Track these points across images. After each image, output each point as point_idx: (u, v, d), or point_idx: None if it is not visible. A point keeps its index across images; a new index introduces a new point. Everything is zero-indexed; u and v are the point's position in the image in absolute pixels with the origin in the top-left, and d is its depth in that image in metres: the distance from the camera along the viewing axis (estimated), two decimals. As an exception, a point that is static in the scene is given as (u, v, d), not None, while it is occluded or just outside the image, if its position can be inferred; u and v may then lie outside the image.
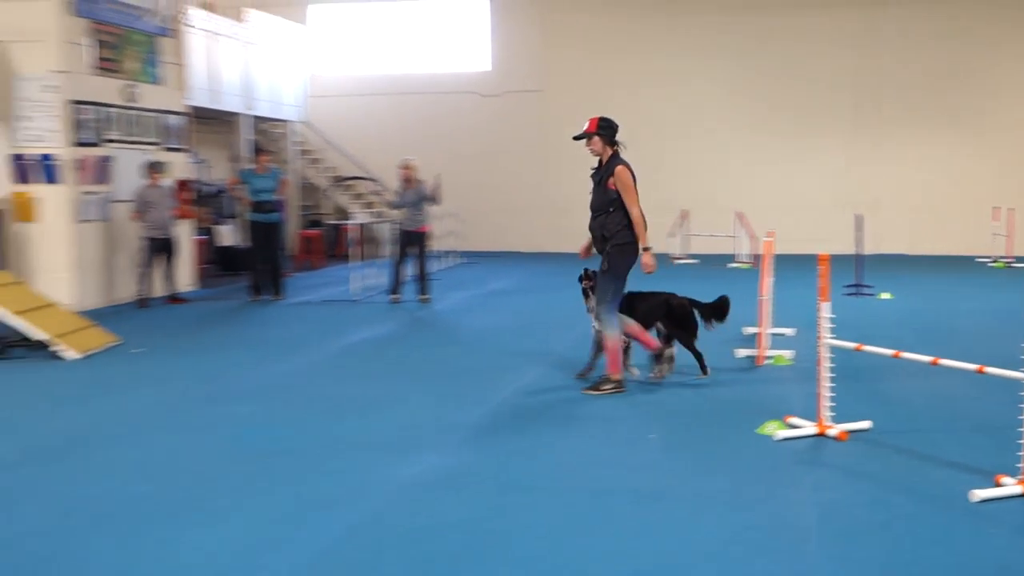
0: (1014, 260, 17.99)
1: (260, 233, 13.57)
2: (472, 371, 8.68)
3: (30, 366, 9.00)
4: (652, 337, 7.98)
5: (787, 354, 8.92)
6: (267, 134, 20.08)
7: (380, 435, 6.58)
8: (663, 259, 19.00)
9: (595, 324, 7.89)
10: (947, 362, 5.84)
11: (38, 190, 12.54)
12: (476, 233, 20.54)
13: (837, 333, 6.47)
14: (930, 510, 5.01)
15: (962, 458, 5.81)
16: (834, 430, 6.31)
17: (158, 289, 13.26)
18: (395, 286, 13.30)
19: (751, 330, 9.73)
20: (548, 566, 4.33)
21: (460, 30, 22.22)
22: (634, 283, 7.94)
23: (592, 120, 7.75)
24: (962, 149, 20.50)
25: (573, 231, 20.73)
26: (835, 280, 7.07)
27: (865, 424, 6.48)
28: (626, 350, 7.98)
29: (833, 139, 20.85)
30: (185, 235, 14.53)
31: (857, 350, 6.45)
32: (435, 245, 14.03)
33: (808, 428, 6.39)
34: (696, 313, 8.20)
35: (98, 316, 11.20)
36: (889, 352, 6.29)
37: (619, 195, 7.57)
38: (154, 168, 13.13)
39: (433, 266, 13.94)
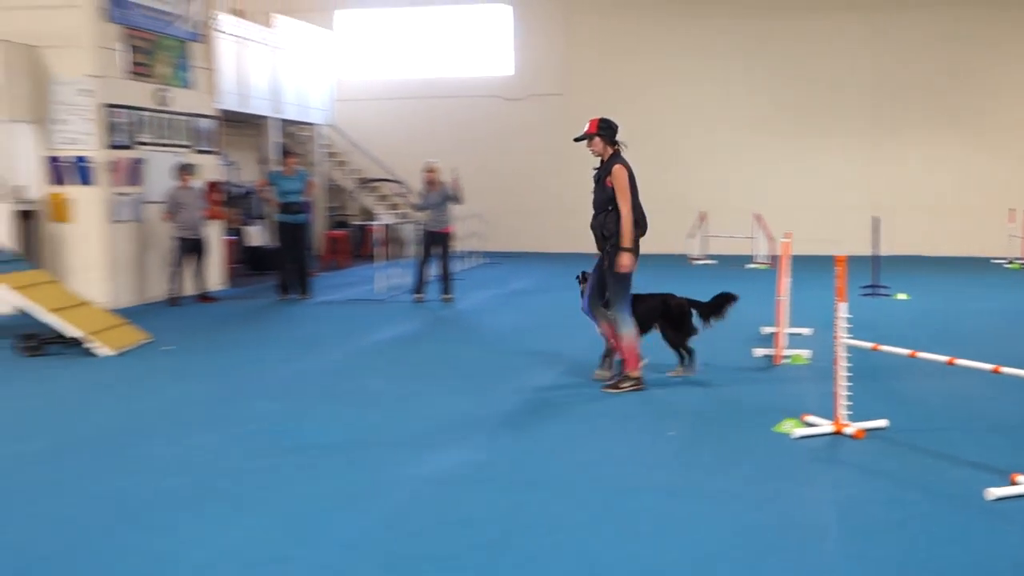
0: (1030, 261, 17.84)
1: (288, 233, 13.62)
2: (493, 369, 8.69)
3: (65, 362, 9.06)
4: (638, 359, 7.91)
5: (804, 353, 8.87)
6: (295, 137, 20.15)
7: (404, 431, 6.59)
8: (682, 259, 19.11)
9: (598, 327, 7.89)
10: (963, 362, 5.80)
11: (73, 191, 12.63)
12: (498, 234, 20.54)
13: (854, 333, 6.43)
14: (946, 508, 4.97)
15: (978, 457, 5.76)
16: (851, 428, 6.27)
17: (189, 288, 13.33)
18: (419, 286, 13.33)
19: (769, 330, 9.69)
20: (568, 561, 4.32)
21: (484, 36, 22.23)
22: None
23: (592, 121, 7.74)
24: (978, 151, 20.34)
25: (590, 231, 20.75)
26: (852, 281, 7.03)
27: (882, 423, 6.44)
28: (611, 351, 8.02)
29: (850, 141, 20.73)
30: (215, 235, 14.60)
31: (874, 350, 6.41)
32: (458, 246, 14.03)
33: (825, 426, 6.36)
34: (695, 313, 8.16)
35: (131, 314, 11.26)
36: (905, 352, 6.25)
37: (631, 196, 7.55)
38: (185, 170, 13.20)
39: (456, 266, 13.95)
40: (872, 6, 20.43)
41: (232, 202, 16.74)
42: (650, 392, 7.64)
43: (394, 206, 21.08)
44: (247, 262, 17.33)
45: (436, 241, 13.27)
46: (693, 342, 8.15)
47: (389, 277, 14.77)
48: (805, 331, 9.87)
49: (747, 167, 20.99)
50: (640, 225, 7.65)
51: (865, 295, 13.28)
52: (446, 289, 13.33)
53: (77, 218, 12.64)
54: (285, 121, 19.25)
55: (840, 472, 5.69)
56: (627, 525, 4.75)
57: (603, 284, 7.75)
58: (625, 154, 7.77)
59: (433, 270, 13.40)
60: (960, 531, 4.64)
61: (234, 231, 17.00)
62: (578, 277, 8.33)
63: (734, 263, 18.16)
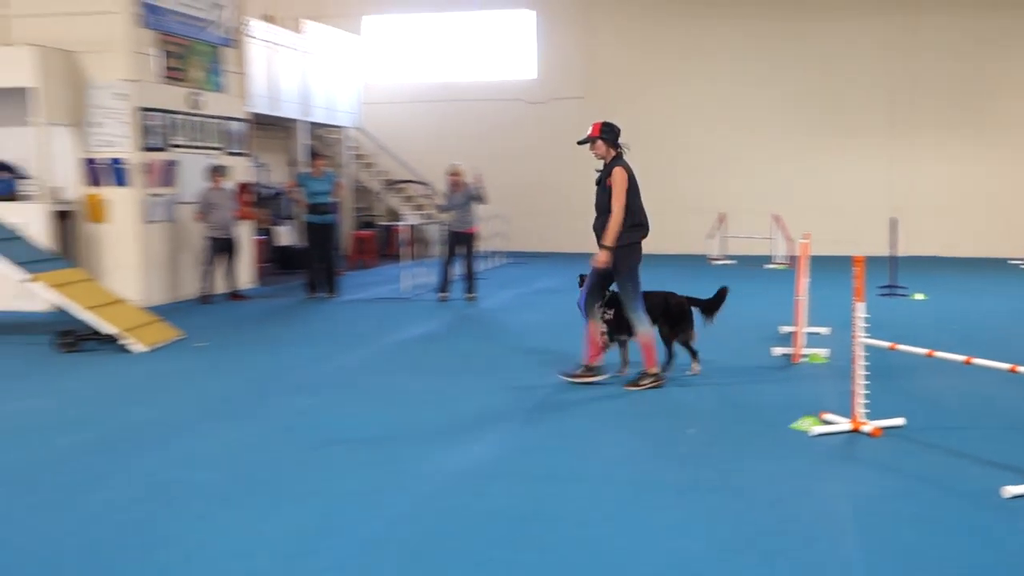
0: (1047, 262, 17.66)
1: (316, 233, 13.66)
2: (515, 366, 8.69)
3: (101, 358, 9.13)
4: (600, 349, 7.87)
5: (822, 352, 8.83)
6: (323, 139, 20.23)
7: (429, 426, 6.61)
8: (701, 260, 19.04)
9: (601, 329, 7.88)
10: (980, 361, 5.76)
11: (109, 192, 12.72)
12: (521, 234, 20.54)
13: (871, 332, 6.40)
14: (962, 505, 4.93)
15: (994, 455, 5.72)
16: (868, 426, 6.24)
17: (220, 286, 13.40)
18: (444, 284, 13.35)
19: (787, 329, 9.64)
20: (589, 555, 4.33)
21: (507, 40, 22.24)
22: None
23: (595, 125, 7.75)
24: (996, 152, 20.15)
25: (614, 233, 20.71)
26: (870, 281, 6.99)
27: (899, 421, 6.40)
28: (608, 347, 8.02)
29: (868, 143, 20.59)
30: (246, 235, 14.67)
31: (891, 349, 6.37)
32: (482, 246, 14.05)
33: (843, 424, 6.33)
34: (695, 311, 8.14)
35: (164, 311, 11.33)
36: (923, 351, 6.21)
37: (627, 198, 7.53)
38: (217, 172, 13.26)
39: (480, 266, 13.96)
40: (892, 9, 20.28)
41: (262, 203, 16.82)
42: (670, 390, 7.62)
43: (419, 207, 21.12)
44: (276, 261, 17.41)
45: (460, 241, 13.30)
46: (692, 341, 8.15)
47: (414, 276, 14.80)
48: (823, 330, 9.82)
49: (766, 169, 20.89)
50: (642, 227, 7.66)
51: (883, 295, 13.19)
52: (470, 288, 13.35)
53: (112, 218, 12.73)
54: (314, 124, 19.32)
55: (857, 469, 5.66)
56: (647, 520, 4.75)
57: (602, 284, 7.74)
58: (627, 157, 7.77)
59: (457, 269, 13.42)
60: (976, 528, 4.61)
61: (264, 231, 17.09)
62: (580, 279, 8.33)
63: (753, 263, 18.08)
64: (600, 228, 7.67)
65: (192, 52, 13.90)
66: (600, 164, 7.86)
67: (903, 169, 20.48)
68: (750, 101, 20.92)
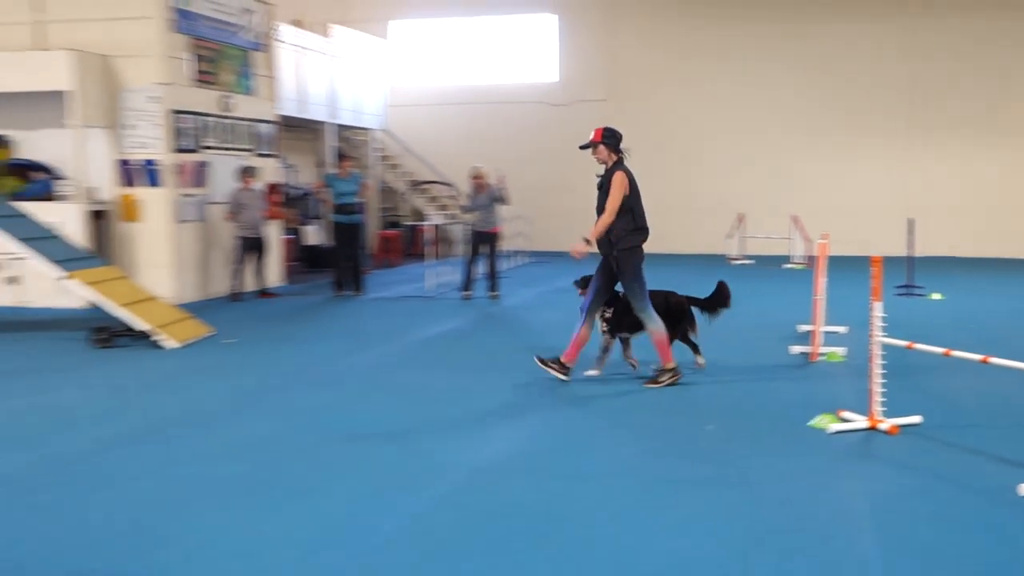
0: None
1: (343, 233, 13.70)
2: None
3: (134, 354, 9.18)
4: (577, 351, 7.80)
5: (840, 351, 8.76)
6: (350, 141, 20.28)
7: (451, 422, 6.61)
8: (720, 259, 18.95)
9: (603, 327, 7.89)
10: (997, 360, 5.69)
11: (142, 192, 12.80)
12: (543, 234, 20.49)
13: (889, 331, 6.34)
14: (979, 502, 4.87)
15: (1011, 453, 5.65)
16: (885, 424, 6.18)
17: (249, 284, 13.46)
18: (467, 283, 13.36)
19: (805, 328, 9.58)
20: (607, 549, 4.31)
21: (530, 44, 22.22)
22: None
23: (597, 130, 7.72)
24: (1012, 154, 19.94)
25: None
26: (887, 281, 6.93)
27: (915, 419, 6.34)
28: (624, 344, 8.03)
29: (886, 144, 20.43)
30: (274, 235, 14.73)
31: (908, 348, 6.31)
32: (504, 245, 14.04)
33: (860, 422, 6.27)
34: (697, 310, 8.10)
35: (195, 309, 11.39)
36: (940, 350, 6.14)
37: (621, 200, 7.50)
38: (247, 173, 13.32)
39: (502, 265, 13.95)
40: (908, 11, 20.11)
41: (291, 203, 16.88)
42: (688, 387, 7.59)
43: (443, 207, 21.14)
44: (304, 260, 17.46)
45: (484, 241, 13.30)
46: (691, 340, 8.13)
47: (439, 275, 14.81)
48: (841, 329, 9.75)
49: (785, 170, 20.77)
50: (643, 231, 7.66)
51: (900, 295, 13.07)
52: (493, 287, 13.35)
53: (146, 218, 12.81)
54: (341, 126, 19.37)
55: (875, 467, 5.61)
56: (664, 516, 4.72)
57: (607, 287, 7.74)
58: (631, 160, 7.75)
59: (481, 268, 13.43)
60: (992, 525, 4.56)
61: (292, 231, 17.15)
62: (576, 283, 8.27)
63: (771, 263, 17.98)
64: (604, 233, 7.64)
65: (223, 56, 13.97)
66: (602, 169, 7.82)
67: (921, 170, 20.30)
68: (769, 102, 20.80)
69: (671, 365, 7.62)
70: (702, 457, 5.73)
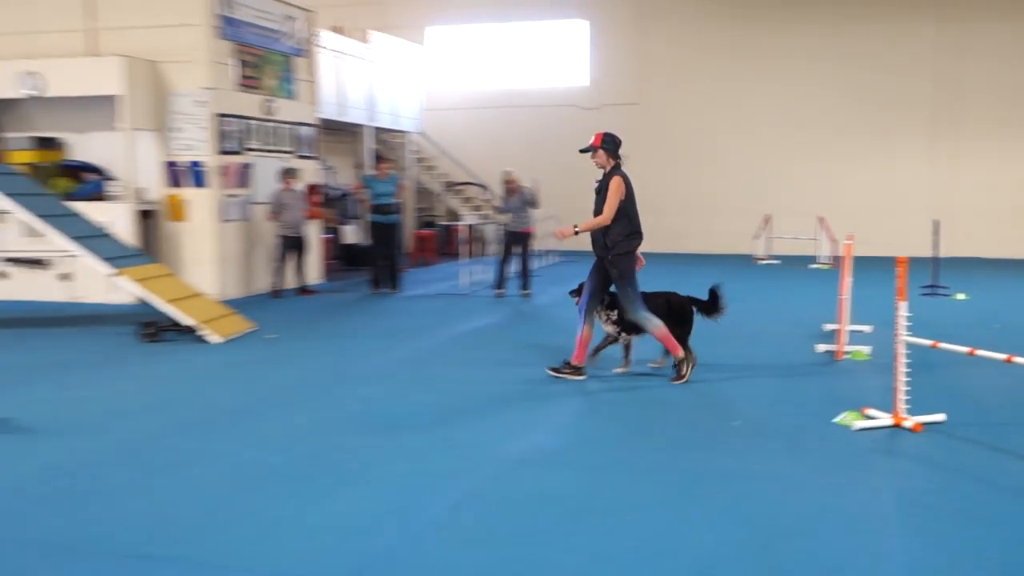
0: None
1: (380, 232, 13.76)
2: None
3: (180, 348, 9.29)
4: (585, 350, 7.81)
5: (865, 350, 8.70)
6: (387, 143, 20.38)
7: (486, 414, 6.64)
8: (747, 259, 18.85)
9: (608, 328, 7.87)
10: (1021, 360, 5.65)
11: (188, 193, 12.92)
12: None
13: (913, 331, 6.30)
14: (1002, 499, 4.84)
15: (1034, 451, 5.61)
16: (909, 422, 6.14)
17: (290, 282, 13.56)
18: (500, 282, 13.39)
19: (831, 327, 9.52)
20: (638, 539, 4.33)
21: (561, 49, 22.21)
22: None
23: (598, 135, 7.76)
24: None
25: (663, 231, 20.61)
26: (912, 281, 6.88)
27: (940, 417, 6.29)
28: (627, 347, 7.99)
29: (912, 146, 20.22)
30: (314, 234, 14.82)
31: (933, 347, 6.26)
32: (536, 245, 14.05)
33: (884, 419, 6.24)
34: (697, 310, 8.04)
35: (238, 305, 11.48)
36: (964, 349, 6.10)
37: (619, 205, 7.48)
38: (288, 174, 13.42)
39: (534, 264, 13.96)
40: (938, 14, 19.87)
41: (330, 203, 16.98)
42: (715, 384, 7.58)
43: (477, 208, 21.18)
44: (343, 258, 17.56)
45: (516, 241, 13.32)
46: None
47: (472, 273, 14.85)
48: (866, 328, 9.68)
49: (812, 171, 20.61)
50: (638, 235, 7.67)
51: (925, 295, 12.94)
52: (525, 285, 13.37)
53: (191, 217, 12.93)
54: (379, 129, 19.47)
55: (898, 463, 5.58)
56: (692, 508, 4.73)
57: (602, 288, 7.75)
58: (626, 167, 7.76)
59: (513, 267, 13.45)
60: (1016, 522, 4.52)
61: (331, 230, 17.25)
62: (572, 292, 8.30)
63: (797, 263, 17.86)
64: (601, 237, 7.68)
65: (266, 62, 14.09)
66: (600, 173, 7.86)
67: (946, 171, 20.07)
68: (796, 104, 20.64)
69: (682, 355, 7.62)
70: (728, 451, 5.72)
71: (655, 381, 7.70)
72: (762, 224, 19.12)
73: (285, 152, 14.45)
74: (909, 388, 6.20)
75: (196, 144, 12.80)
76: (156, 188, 12.96)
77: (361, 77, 18.38)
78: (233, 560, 4.11)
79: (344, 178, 19.57)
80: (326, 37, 16.70)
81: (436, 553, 4.18)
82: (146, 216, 12.89)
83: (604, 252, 7.63)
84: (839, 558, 4.11)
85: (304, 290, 13.65)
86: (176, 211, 12.95)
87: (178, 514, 4.67)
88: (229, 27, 13.14)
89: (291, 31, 14.72)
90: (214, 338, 9.54)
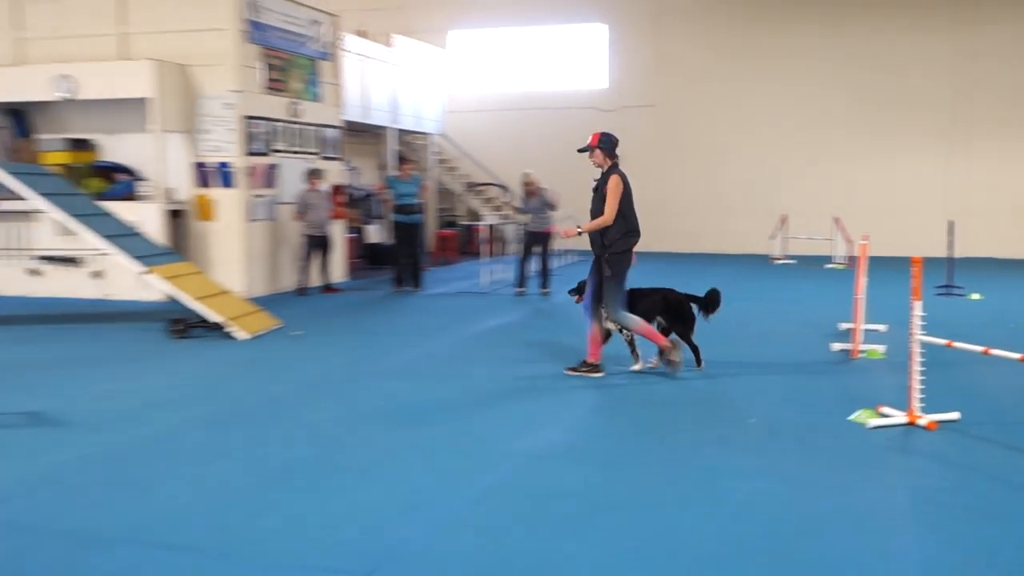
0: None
1: (403, 232, 13.79)
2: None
3: (208, 344, 9.34)
4: (659, 334, 7.82)
5: (880, 348, 8.64)
6: (410, 145, 20.41)
7: (505, 410, 6.65)
8: (763, 259, 18.76)
9: (608, 325, 7.83)
10: (1035, 359, 5.59)
11: (216, 193, 12.99)
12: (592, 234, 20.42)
13: (928, 330, 6.25)
14: (1016, 497, 4.80)
15: (1048, 450, 5.55)
16: (924, 420, 6.09)
17: (315, 280, 13.61)
18: (521, 280, 13.39)
19: (846, 326, 9.46)
20: (651, 534, 4.32)
21: (581, 52, 22.18)
22: (636, 280, 7.89)
23: (594, 135, 7.74)
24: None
25: (679, 232, 20.57)
26: (927, 281, 6.82)
27: (954, 415, 6.24)
28: (631, 343, 7.98)
29: (927, 147, 20.05)
30: (339, 233, 14.87)
31: (948, 346, 6.21)
32: (556, 245, 14.04)
33: (899, 417, 6.19)
34: (694, 307, 8.02)
35: (264, 302, 11.54)
36: (979, 348, 6.04)
37: (619, 204, 7.48)
38: (313, 175, 13.47)
39: (554, 263, 13.94)
40: (954, 17, 19.68)
41: (354, 203, 17.03)
42: (730, 382, 7.55)
43: (498, 208, 21.18)
44: (366, 257, 17.62)
45: (536, 240, 13.32)
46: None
47: (493, 272, 14.86)
48: (881, 327, 9.61)
49: (827, 172, 20.48)
50: (635, 233, 7.69)
51: (939, 295, 12.84)
52: (544, 284, 13.36)
53: (219, 217, 13.00)
54: (402, 131, 19.50)
55: (912, 461, 5.54)
56: (709, 504, 4.72)
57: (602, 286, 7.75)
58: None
59: (533, 267, 13.45)
60: (1030, 519, 4.48)
61: (355, 229, 17.30)
62: (572, 291, 8.32)
63: (813, 263, 17.76)
64: (598, 235, 7.68)
65: (292, 65, 14.14)
66: (599, 173, 7.85)
67: (961, 172, 19.89)
68: (812, 106, 20.52)
69: (668, 344, 7.67)
70: (744, 449, 5.70)
71: (670, 379, 7.67)
72: (778, 224, 19.02)
73: (310, 153, 14.50)
74: (924, 387, 6.15)
75: (224, 145, 12.87)
76: (185, 188, 13.04)
77: (385, 80, 18.42)
78: (258, 550, 4.13)
79: (368, 179, 19.62)
80: (351, 41, 16.74)
81: (456, 546, 4.19)
82: (175, 216, 12.97)
83: (601, 251, 7.65)
84: (853, 555, 4.08)
85: (328, 288, 13.70)
86: (205, 211, 13.03)
87: (205, 505, 4.70)
88: (257, 31, 13.20)
89: (317, 35, 14.77)
90: (241, 334, 9.59)
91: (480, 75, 22.74)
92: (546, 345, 9.44)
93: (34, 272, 13.20)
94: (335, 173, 15.13)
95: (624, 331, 7.92)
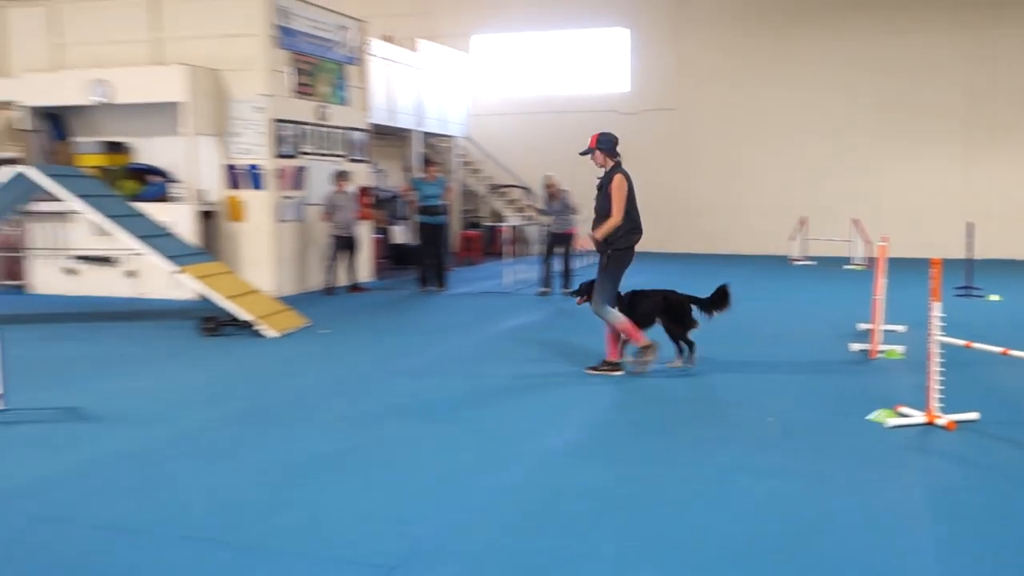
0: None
1: (427, 233, 13.82)
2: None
3: (238, 342, 9.39)
4: (641, 332, 7.76)
5: (899, 349, 8.56)
6: (435, 147, 20.44)
7: (527, 409, 6.64)
8: (782, 260, 18.63)
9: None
10: (1054, 360, 5.51)
11: (246, 195, 13.06)
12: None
13: (947, 331, 6.18)
14: (1034, 497, 4.74)
15: (1067, 450, 5.47)
16: (942, 420, 6.03)
17: (342, 279, 13.66)
18: (544, 280, 13.37)
19: (865, 326, 9.38)
20: (675, 528, 4.30)
21: (603, 56, 22.13)
22: (636, 281, 7.87)
23: (593, 137, 7.78)
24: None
25: (700, 233, 20.48)
26: (946, 282, 6.75)
27: (973, 415, 6.17)
28: (626, 342, 7.92)
29: (947, 149, 19.84)
30: (365, 234, 14.92)
31: (967, 347, 6.14)
32: (578, 245, 14.02)
33: (918, 417, 6.13)
34: (695, 308, 7.96)
35: (292, 301, 11.60)
36: (997, 349, 5.97)
37: (623, 203, 7.44)
38: (341, 177, 13.51)
39: (576, 264, 13.92)
40: (972, 21, 19.46)
41: (380, 205, 17.08)
42: (749, 381, 7.50)
43: (521, 209, 21.17)
44: (392, 258, 17.65)
45: (559, 241, 13.30)
46: (693, 336, 7.98)
47: (516, 272, 14.85)
48: (899, 328, 9.52)
49: (846, 175, 20.31)
50: (637, 231, 7.69)
51: (958, 296, 12.70)
52: (567, 284, 13.33)
53: (249, 218, 13.07)
54: (427, 134, 19.53)
55: (931, 460, 5.48)
56: (725, 501, 4.69)
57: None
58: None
59: (556, 267, 13.43)
60: (1048, 519, 4.42)
61: (381, 230, 17.34)
62: (573, 293, 8.33)
63: (832, 264, 17.62)
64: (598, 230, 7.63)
65: (320, 70, 14.20)
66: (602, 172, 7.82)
67: (980, 174, 19.67)
68: (831, 110, 20.36)
69: (645, 342, 7.63)
70: (762, 447, 5.66)
71: (688, 378, 7.64)
72: (797, 226, 18.89)
73: (338, 156, 14.56)
74: (942, 387, 6.09)
75: (254, 148, 12.94)
76: (216, 190, 13.12)
77: (410, 84, 18.46)
78: (285, 544, 4.15)
79: (393, 181, 19.67)
80: (377, 46, 16.79)
81: (479, 540, 4.19)
82: (207, 216, 13.06)
83: (604, 247, 7.63)
84: (870, 553, 4.05)
85: (355, 287, 13.74)
86: (235, 212, 13.11)
87: (235, 499, 4.73)
88: (286, 37, 13.26)
89: (344, 40, 14.82)
90: (270, 333, 9.64)
91: (503, 79, 22.73)
92: (567, 344, 9.42)
93: (71, 271, 13.34)
94: (362, 175, 15.18)
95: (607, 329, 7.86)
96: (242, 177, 13.05)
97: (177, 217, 12.34)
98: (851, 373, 7.89)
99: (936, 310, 6.10)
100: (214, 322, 9.77)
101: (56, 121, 13.73)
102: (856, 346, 8.81)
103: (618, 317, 7.64)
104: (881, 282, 8.61)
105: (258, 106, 12.89)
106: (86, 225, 12.37)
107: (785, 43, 20.60)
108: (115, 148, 13.41)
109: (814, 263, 17.99)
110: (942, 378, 6.08)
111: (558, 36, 22.32)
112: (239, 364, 8.39)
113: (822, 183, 20.35)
